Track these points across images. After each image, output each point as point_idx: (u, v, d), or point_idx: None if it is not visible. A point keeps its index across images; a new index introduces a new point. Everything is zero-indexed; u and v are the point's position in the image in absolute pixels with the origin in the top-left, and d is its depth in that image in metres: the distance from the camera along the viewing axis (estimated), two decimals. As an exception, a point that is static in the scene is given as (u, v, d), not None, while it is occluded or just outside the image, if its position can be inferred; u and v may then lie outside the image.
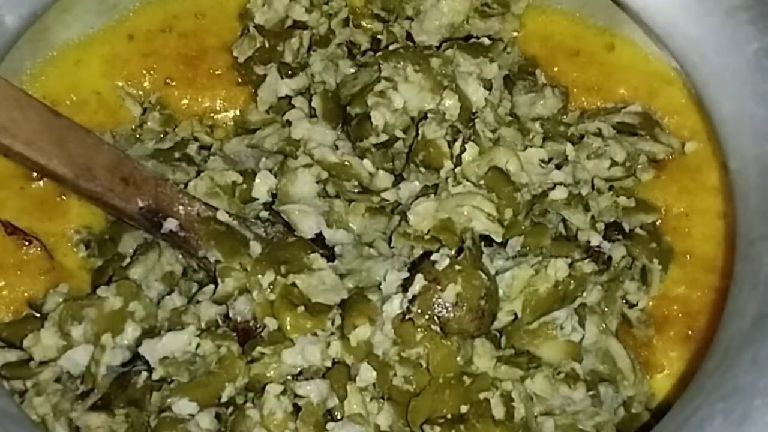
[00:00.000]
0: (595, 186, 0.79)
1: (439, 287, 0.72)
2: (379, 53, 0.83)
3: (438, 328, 0.71)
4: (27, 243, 0.83)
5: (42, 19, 0.82)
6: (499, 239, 0.75)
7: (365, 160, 0.79)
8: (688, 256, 0.82)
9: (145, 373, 0.75)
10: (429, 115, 0.79)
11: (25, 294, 0.82)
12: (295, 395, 0.72)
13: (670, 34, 0.77)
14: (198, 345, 0.74)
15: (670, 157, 0.84)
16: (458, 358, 0.71)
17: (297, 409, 0.72)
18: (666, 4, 0.76)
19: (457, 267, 0.72)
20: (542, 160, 0.78)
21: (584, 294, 0.74)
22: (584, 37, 0.88)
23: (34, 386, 0.76)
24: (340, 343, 0.73)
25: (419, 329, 0.71)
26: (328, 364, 0.73)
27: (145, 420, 0.74)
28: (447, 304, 0.71)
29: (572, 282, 0.73)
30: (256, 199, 0.81)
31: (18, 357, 0.78)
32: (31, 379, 0.76)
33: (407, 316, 0.72)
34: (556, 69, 0.88)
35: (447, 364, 0.72)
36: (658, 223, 0.82)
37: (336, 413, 0.72)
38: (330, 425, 0.71)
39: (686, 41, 0.75)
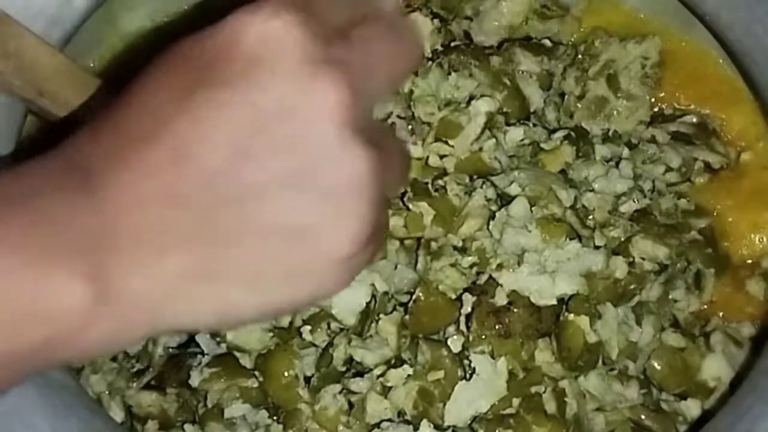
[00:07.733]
0: (656, 187, 0.79)
1: (487, 296, 0.72)
2: (440, 49, 0.83)
3: (502, 332, 0.71)
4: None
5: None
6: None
7: None
8: (737, 261, 0.81)
9: (199, 357, 0.75)
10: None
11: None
12: (348, 391, 0.72)
13: (735, 33, 0.77)
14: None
15: (725, 167, 0.82)
16: (522, 353, 0.71)
17: (350, 405, 0.72)
18: (732, 4, 0.76)
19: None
20: (604, 157, 0.78)
21: (642, 293, 0.73)
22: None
23: (91, 364, 0.77)
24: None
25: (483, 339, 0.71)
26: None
27: (194, 404, 0.75)
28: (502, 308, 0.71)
29: (632, 280, 0.73)
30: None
31: (75, 335, 0.78)
32: (87, 357, 0.77)
33: (470, 338, 0.71)
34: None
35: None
36: (713, 229, 0.81)
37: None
38: (384, 424, 0.71)
39: (752, 40, 0.75)
